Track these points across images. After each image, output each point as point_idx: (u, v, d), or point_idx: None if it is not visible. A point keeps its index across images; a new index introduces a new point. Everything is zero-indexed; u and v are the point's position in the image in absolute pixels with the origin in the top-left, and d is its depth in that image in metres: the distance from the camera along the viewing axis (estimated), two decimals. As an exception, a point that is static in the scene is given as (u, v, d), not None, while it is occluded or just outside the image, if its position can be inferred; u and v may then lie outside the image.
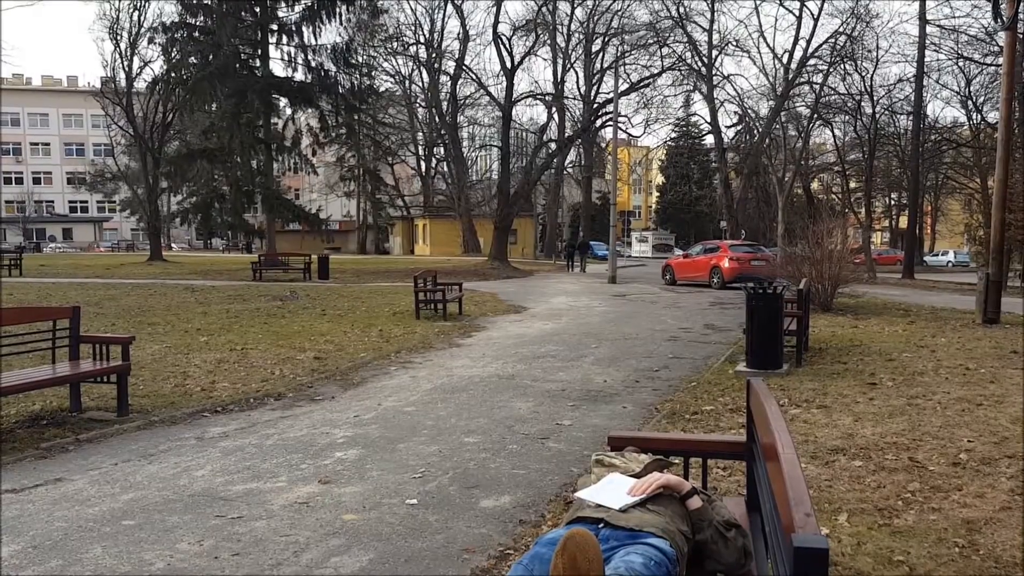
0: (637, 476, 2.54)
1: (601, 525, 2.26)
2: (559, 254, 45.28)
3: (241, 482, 4.56)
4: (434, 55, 38.09)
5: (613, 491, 2.46)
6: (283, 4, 29.81)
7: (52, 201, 77.67)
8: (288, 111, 33.31)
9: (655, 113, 39.46)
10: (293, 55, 30.09)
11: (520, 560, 2.21)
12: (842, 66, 34.05)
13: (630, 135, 43.54)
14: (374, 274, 26.98)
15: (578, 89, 41.63)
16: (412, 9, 51.95)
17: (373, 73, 36.79)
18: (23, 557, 3.50)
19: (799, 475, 1.75)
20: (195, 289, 19.05)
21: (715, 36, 39.15)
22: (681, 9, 36.21)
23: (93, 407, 6.31)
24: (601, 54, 38.52)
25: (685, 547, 2.27)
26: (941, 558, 3.41)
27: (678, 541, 2.23)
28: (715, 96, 40.36)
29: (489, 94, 36.51)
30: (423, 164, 55.31)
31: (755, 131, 41.46)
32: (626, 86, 32.78)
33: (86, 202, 77.32)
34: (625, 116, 37.78)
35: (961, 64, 30.00)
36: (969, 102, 32.44)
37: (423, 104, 45.75)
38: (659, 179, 68.95)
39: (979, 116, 32.20)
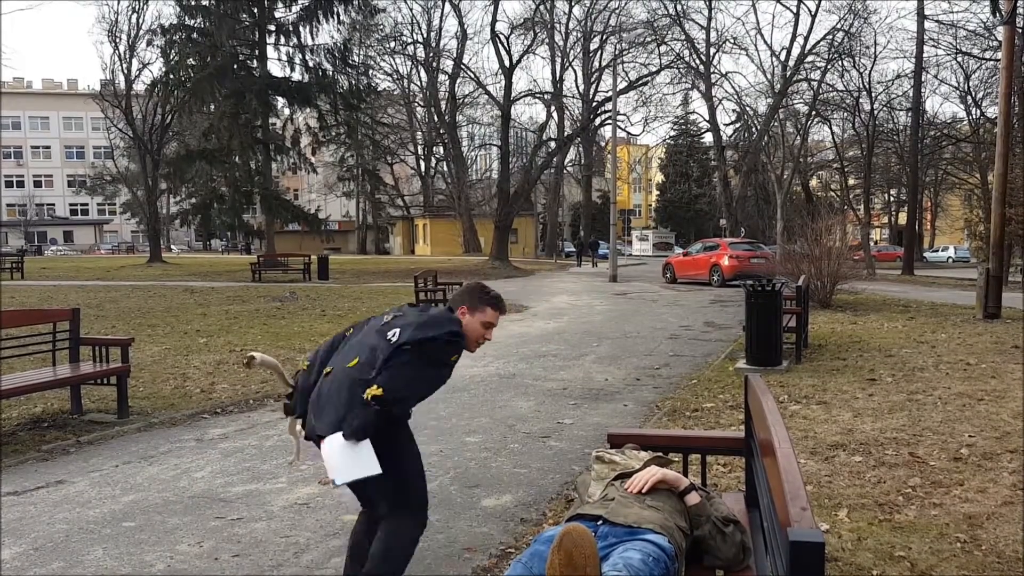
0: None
1: (600, 522, 2.26)
2: (560, 253, 45.38)
3: (241, 483, 4.57)
4: (432, 54, 38.08)
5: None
6: (280, 4, 29.80)
7: (53, 204, 77.67)
8: (286, 111, 33.28)
9: (654, 111, 39.68)
10: (291, 55, 30.11)
11: (519, 558, 2.22)
12: (840, 63, 34.03)
13: (629, 133, 43.65)
14: (374, 274, 26.98)
15: (577, 88, 41.69)
16: (409, 8, 51.97)
17: (371, 72, 36.79)
18: (25, 559, 3.51)
19: (795, 470, 1.75)
20: (194, 290, 19.05)
21: (713, 34, 39.10)
22: (679, 7, 36.24)
23: (94, 409, 6.32)
24: (599, 52, 38.57)
25: (683, 543, 2.27)
26: (942, 553, 3.40)
27: (676, 537, 2.23)
28: (713, 94, 40.32)
29: (488, 93, 36.54)
30: (422, 164, 55.28)
31: (753, 129, 41.41)
32: (624, 84, 32.82)
33: (87, 205, 77.34)
34: (624, 114, 37.93)
35: (960, 59, 30.03)
36: (968, 97, 32.45)
37: (422, 103, 45.72)
38: (659, 177, 68.86)
39: (978, 111, 32.20)
